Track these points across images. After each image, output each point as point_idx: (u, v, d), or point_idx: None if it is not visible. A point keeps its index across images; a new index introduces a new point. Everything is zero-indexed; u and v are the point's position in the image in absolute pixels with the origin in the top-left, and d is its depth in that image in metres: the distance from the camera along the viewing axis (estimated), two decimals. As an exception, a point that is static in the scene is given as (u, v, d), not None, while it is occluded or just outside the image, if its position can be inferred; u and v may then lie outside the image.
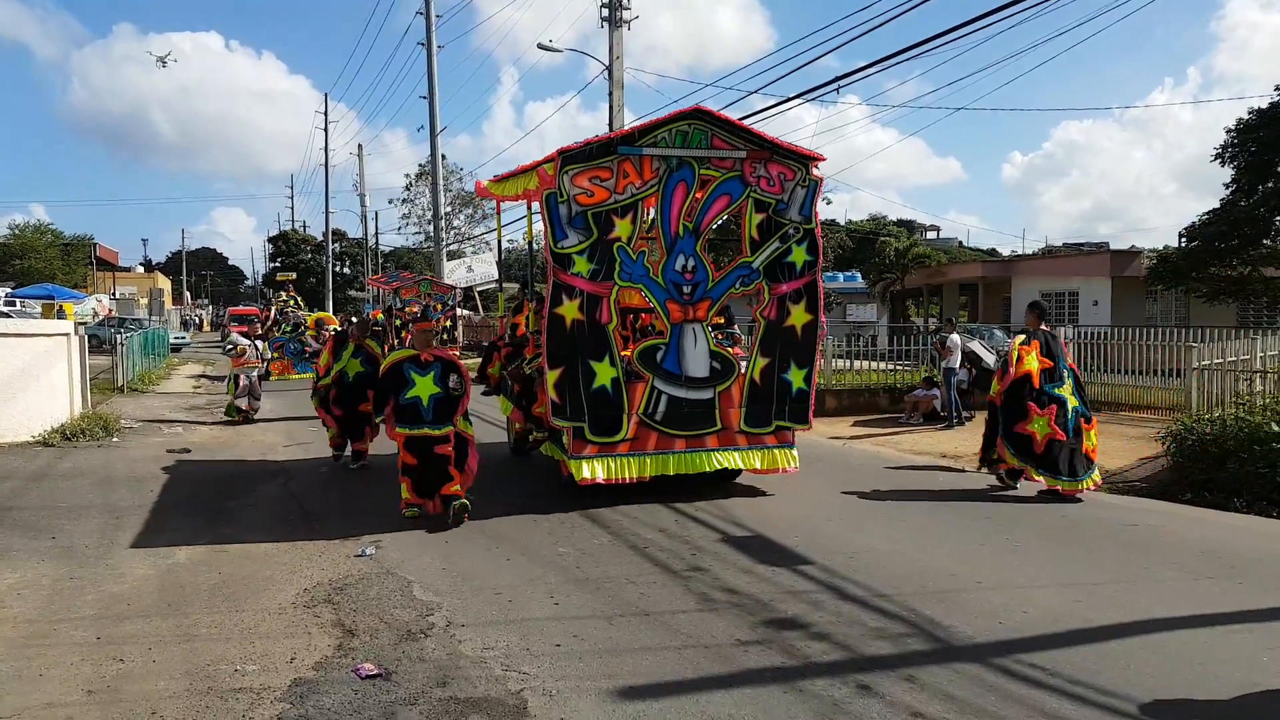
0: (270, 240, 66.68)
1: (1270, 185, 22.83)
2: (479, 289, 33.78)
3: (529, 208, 10.38)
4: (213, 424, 13.96)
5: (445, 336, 25.43)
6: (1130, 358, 14.70)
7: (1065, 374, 8.42)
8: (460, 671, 4.37)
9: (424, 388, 7.34)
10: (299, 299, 27.64)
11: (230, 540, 6.92)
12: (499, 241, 12.42)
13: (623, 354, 7.97)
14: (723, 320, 9.38)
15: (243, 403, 14.16)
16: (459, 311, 27.90)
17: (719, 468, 8.19)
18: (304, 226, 68.82)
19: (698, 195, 8.06)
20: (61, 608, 5.37)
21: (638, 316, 10.02)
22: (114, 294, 45.78)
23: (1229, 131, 23.67)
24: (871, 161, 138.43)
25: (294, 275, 32.92)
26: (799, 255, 8.30)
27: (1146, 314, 27.88)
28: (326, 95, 50.85)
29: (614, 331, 7.82)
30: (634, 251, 7.85)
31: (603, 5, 19.71)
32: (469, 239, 50.96)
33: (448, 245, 39.02)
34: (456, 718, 3.95)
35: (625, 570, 6.07)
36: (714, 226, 8.03)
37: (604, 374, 7.76)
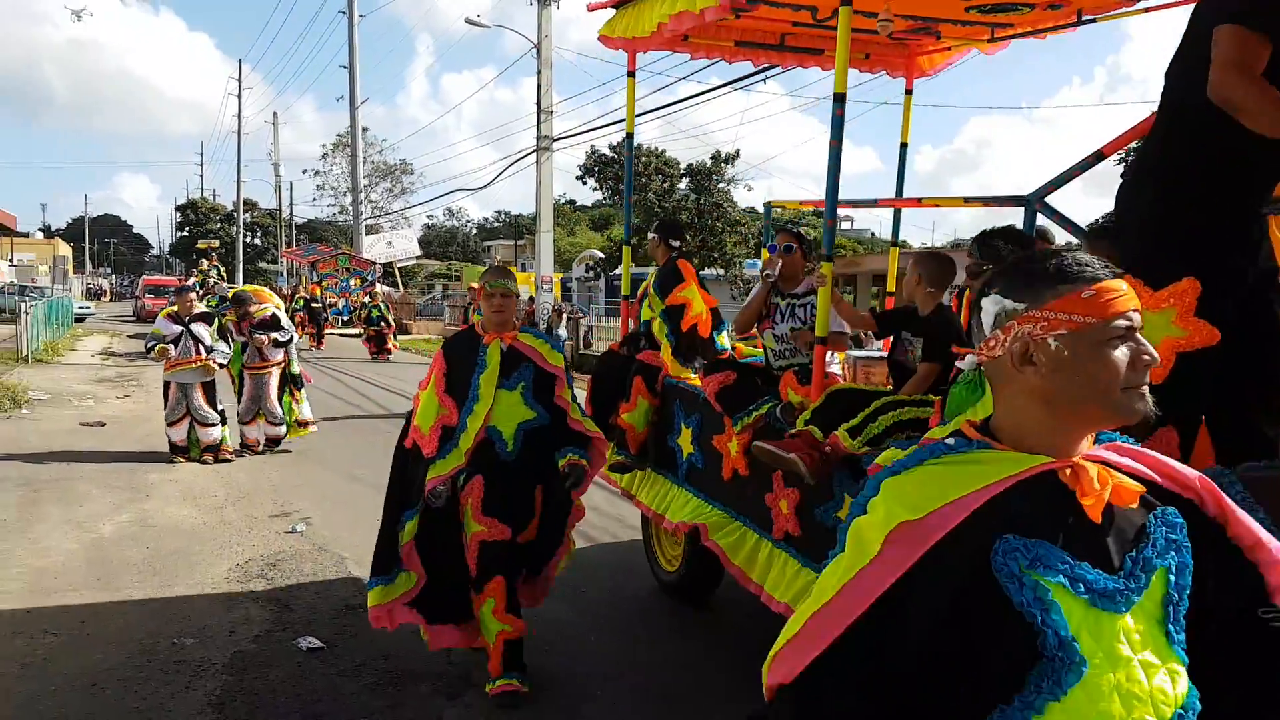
0: (179, 209, 64.09)
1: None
2: (399, 265, 33.23)
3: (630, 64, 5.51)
4: (123, 397, 13.52)
5: (374, 314, 20.26)
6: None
7: None
8: (402, 644, 4.44)
9: None
10: (222, 269, 26.33)
11: (155, 514, 6.83)
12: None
13: None
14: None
15: (176, 433, 8.63)
16: (379, 288, 27.37)
17: None
18: (214, 195, 66.45)
19: None
20: (-16, 582, 5.27)
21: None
22: (12, 260, 43.38)
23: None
24: (791, 150, 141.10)
25: (217, 243, 31.42)
26: None
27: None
28: (241, 61, 49.25)
29: None
30: None
31: (532, -16, 19.63)
32: (388, 214, 49.91)
33: (366, 219, 38.23)
34: (401, 688, 4.07)
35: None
36: None
37: None
